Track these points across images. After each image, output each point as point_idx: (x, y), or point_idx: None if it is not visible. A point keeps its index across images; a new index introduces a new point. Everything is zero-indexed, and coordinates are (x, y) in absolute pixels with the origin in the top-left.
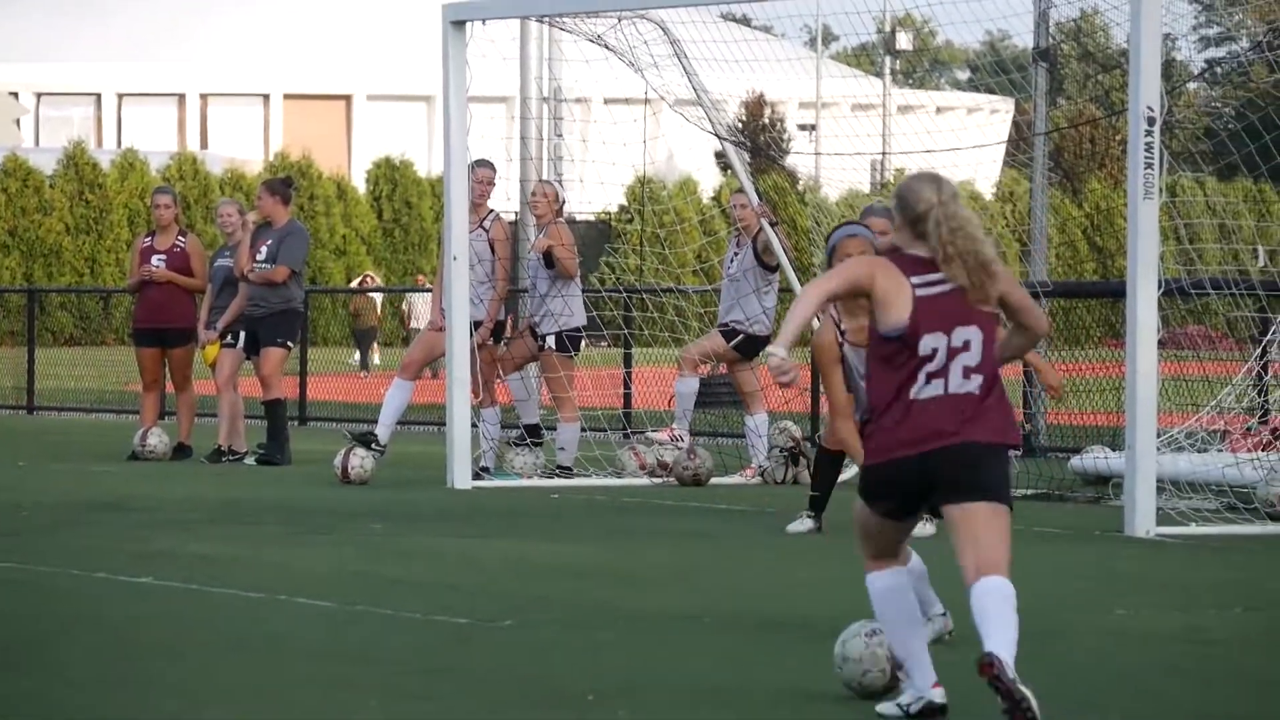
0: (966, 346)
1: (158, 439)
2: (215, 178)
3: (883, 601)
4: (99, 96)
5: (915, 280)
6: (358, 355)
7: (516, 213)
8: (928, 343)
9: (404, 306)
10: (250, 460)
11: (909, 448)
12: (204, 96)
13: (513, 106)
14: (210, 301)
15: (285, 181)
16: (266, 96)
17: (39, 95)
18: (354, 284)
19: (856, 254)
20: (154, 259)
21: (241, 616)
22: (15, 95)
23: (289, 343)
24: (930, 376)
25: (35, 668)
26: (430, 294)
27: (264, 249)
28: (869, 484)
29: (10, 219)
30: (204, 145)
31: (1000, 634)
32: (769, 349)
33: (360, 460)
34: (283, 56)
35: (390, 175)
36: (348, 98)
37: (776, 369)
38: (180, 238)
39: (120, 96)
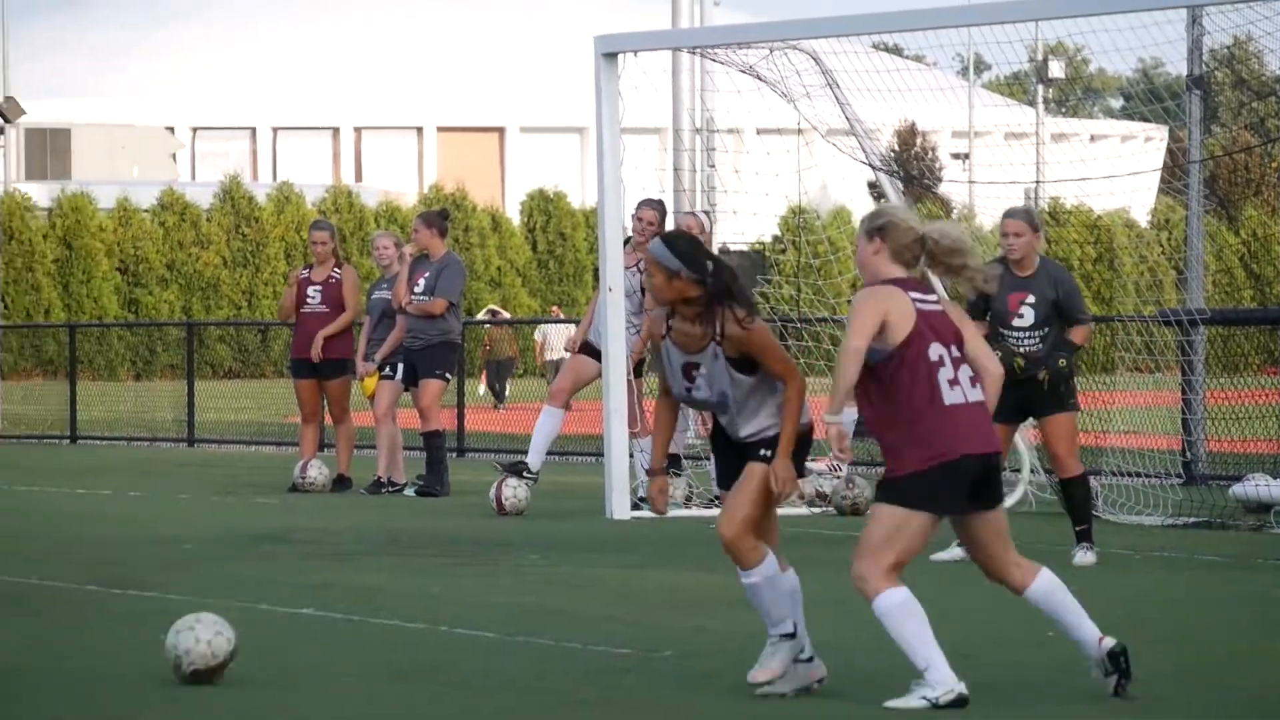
0: (963, 358)
1: (317, 471)
2: (370, 210)
3: (906, 612)
4: (254, 130)
5: (914, 297)
6: (482, 388)
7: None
8: (935, 350)
9: (537, 338)
10: (410, 491)
11: (972, 446)
12: (358, 130)
13: (665, 137)
14: (369, 334)
15: (441, 214)
16: (420, 129)
17: (195, 130)
18: (480, 315)
19: None
20: (310, 290)
21: (402, 647)
22: (171, 130)
23: (447, 374)
24: (950, 384)
25: (198, 699)
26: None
27: (422, 281)
28: (935, 485)
29: (168, 252)
30: (358, 178)
31: (1089, 622)
32: (827, 416)
33: (513, 490)
34: (436, 89)
35: (544, 207)
36: (501, 130)
37: (838, 438)
38: (336, 270)
39: (275, 130)
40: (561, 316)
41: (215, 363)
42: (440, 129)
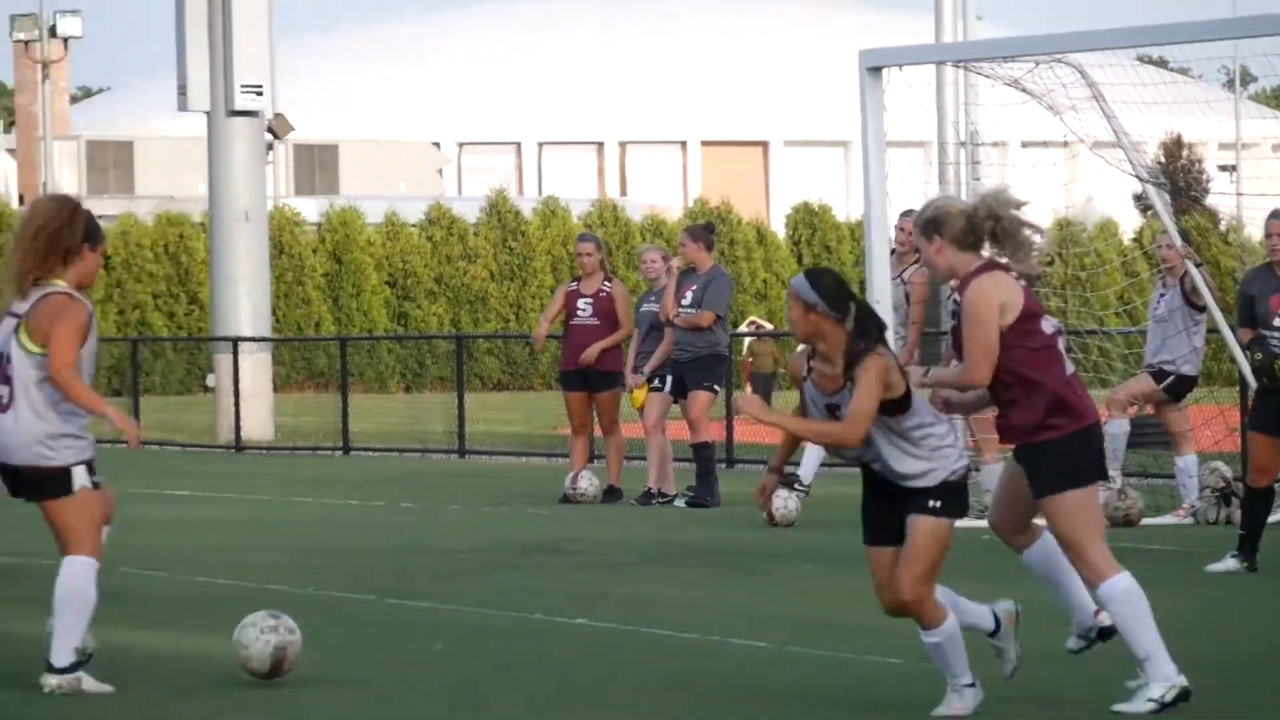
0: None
1: (588, 482)
2: (635, 224)
3: (1131, 598)
4: (519, 145)
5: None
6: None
7: None
8: (1049, 323)
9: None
10: (680, 502)
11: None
12: (622, 144)
13: (930, 151)
14: (637, 346)
15: (708, 227)
16: (684, 143)
17: (461, 145)
18: (742, 328)
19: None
20: (580, 303)
21: (675, 657)
22: (438, 145)
23: (715, 386)
24: (1067, 353)
25: (476, 708)
26: None
27: (689, 294)
28: (1094, 451)
29: (436, 266)
30: (623, 192)
31: (1085, 590)
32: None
33: (783, 501)
34: (700, 103)
35: (809, 220)
36: (765, 144)
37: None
38: (605, 283)
39: (540, 145)
40: (763, 329)
41: (484, 375)
42: (704, 143)
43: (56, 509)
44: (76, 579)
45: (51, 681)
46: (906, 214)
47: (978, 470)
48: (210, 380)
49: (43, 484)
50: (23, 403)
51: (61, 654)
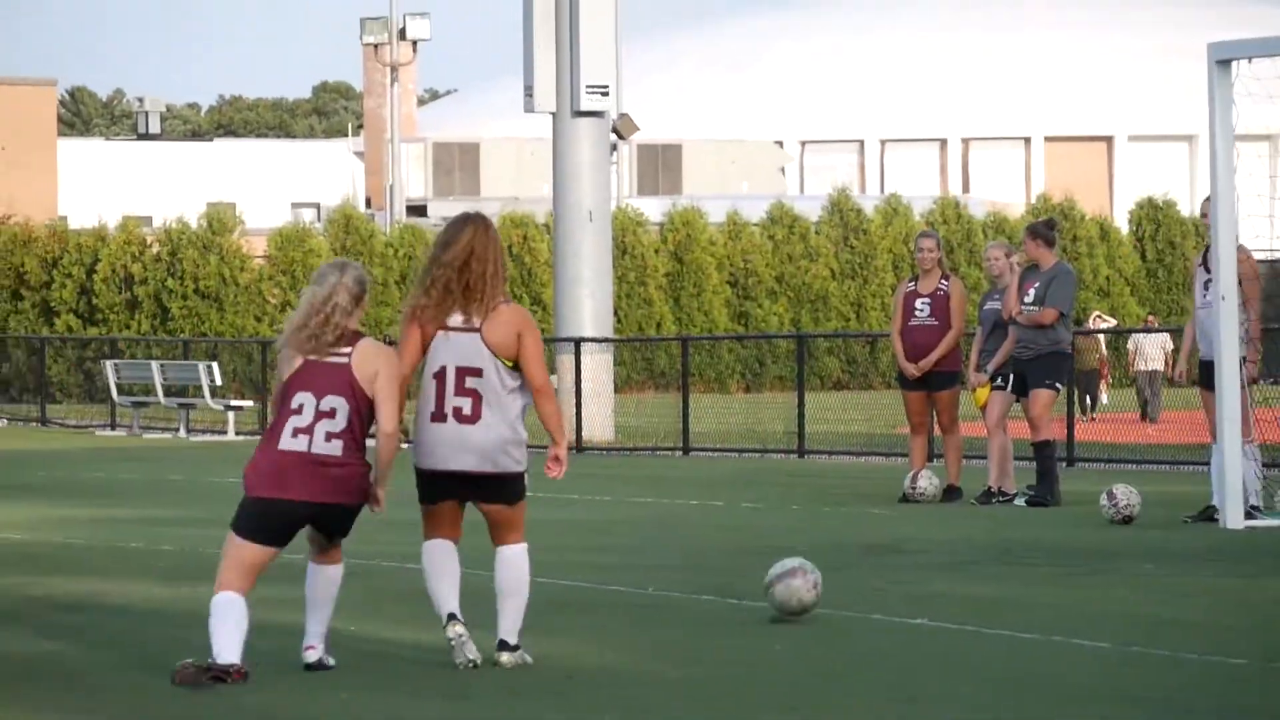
0: None
1: (928, 481)
2: (977, 221)
3: None
4: (862, 143)
5: None
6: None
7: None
8: None
9: (1130, 347)
10: (1020, 501)
11: None
12: (965, 140)
13: (1277, 144)
14: (980, 344)
15: (1048, 224)
16: (1027, 139)
17: (803, 143)
18: (1089, 323)
19: None
20: (918, 303)
21: (1015, 657)
22: (780, 144)
23: (1058, 384)
24: None
25: (815, 708)
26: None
27: (1031, 291)
28: None
29: (778, 265)
30: (965, 189)
31: None
32: None
33: (1124, 495)
34: (1043, 99)
35: (1153, 215)
36: (1109, 139)
37: None
38: (943, 281)
39: (883, 142)
40: (1156, 325)
41: (824, 374)
42: (1048, 138)
43: (514, 510)
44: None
45: (505, 658)
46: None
47: None
48: (553, 381)
49: (505, 486)
50: (492, 413)
51: (515, 633)
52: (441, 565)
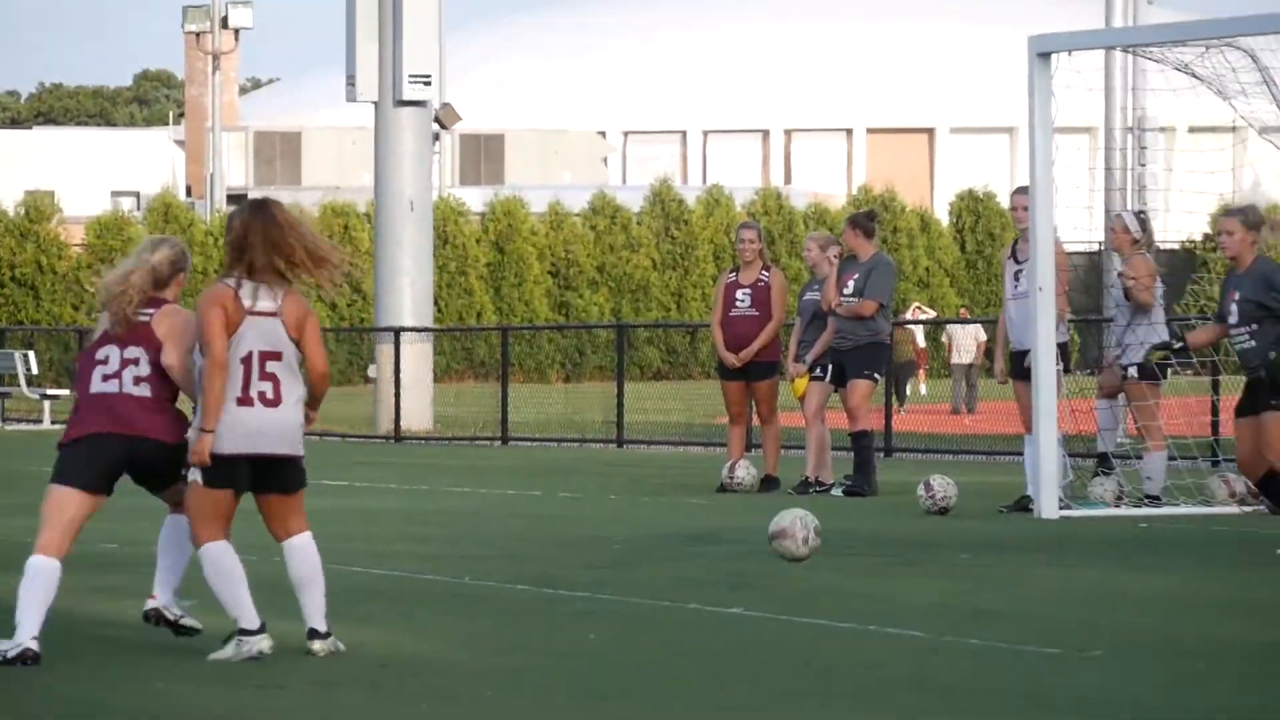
0: None
1: (746, 471)
2: (799, 212)
3: None
4: (684, 134)
5: None
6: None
7: (1101, 243)
8: None
9: (944, 339)
10: (837, 491)
11: None
12: (787, 132)
13: (1097, 137)
14: (799, 335)
15: (868, 215)
16: (849, 131)
17: (626, 134)
18: (908, 315)
19: None
20: (739, 294)
21: (830, 647)
22: (603, 134)
23: (876, 375)
24: None
25: (628, 696)
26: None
27: (850, 282)
28: None
29: (599, 255)
30: (787, 180)
31: None
32: None
33: (941, 485)
34: (865, 91)
35: (973, 207)
36: (930, 130)
37: None
38: (764, 272)
39: (705, 133)
40: (969, 318)
41: (644, 364)
42: (869, 130)
43: (300, 496)
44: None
45: (319, 645)
46: (1021, 191)
47: (1139, 459)
48: (371, 370)
49: (299, 470)
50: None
51: (324, 619)
52: (233, 568)
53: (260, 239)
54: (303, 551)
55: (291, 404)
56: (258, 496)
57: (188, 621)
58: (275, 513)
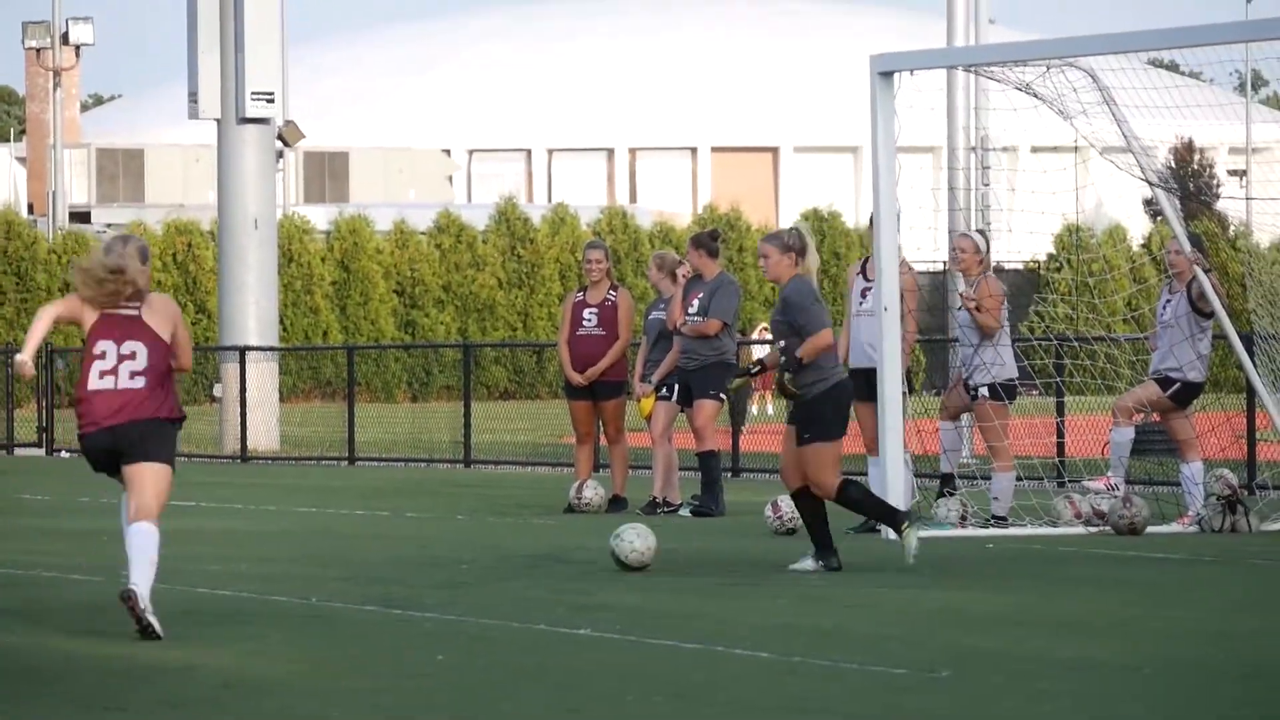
0: None
1: (593, 491)
2: (645, 231)
3: None
4: (529, 152)
5: None
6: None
7: (945, 263)
8: None
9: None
10: (685, 511)
11: None
12: (632, 150)
13: (940, 156)
14: (645, 355)
15: (712, 234)
16: (694, 149)
17: (470, 152)
18: (754, 335)
19: None
20: (585, 313)
21: (679, 668)
22: (447, 152)
23: (722, 395)
24: None
25: (473, 718)
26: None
27: (695, 302)
28: None
29: (444, 274)
30: (633, 199)
31: None
32: None
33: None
34: (709, 109)
35: (818, 226)
36: (774, 149)
37: None
38: (611, 292)
39: (550, 152)
40: (769, 338)
41: (491, 384)
42: (714, 149)
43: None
44: None
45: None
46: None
47: (986, 479)
48: (217, 390)
49: None
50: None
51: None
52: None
53: None
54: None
55: None
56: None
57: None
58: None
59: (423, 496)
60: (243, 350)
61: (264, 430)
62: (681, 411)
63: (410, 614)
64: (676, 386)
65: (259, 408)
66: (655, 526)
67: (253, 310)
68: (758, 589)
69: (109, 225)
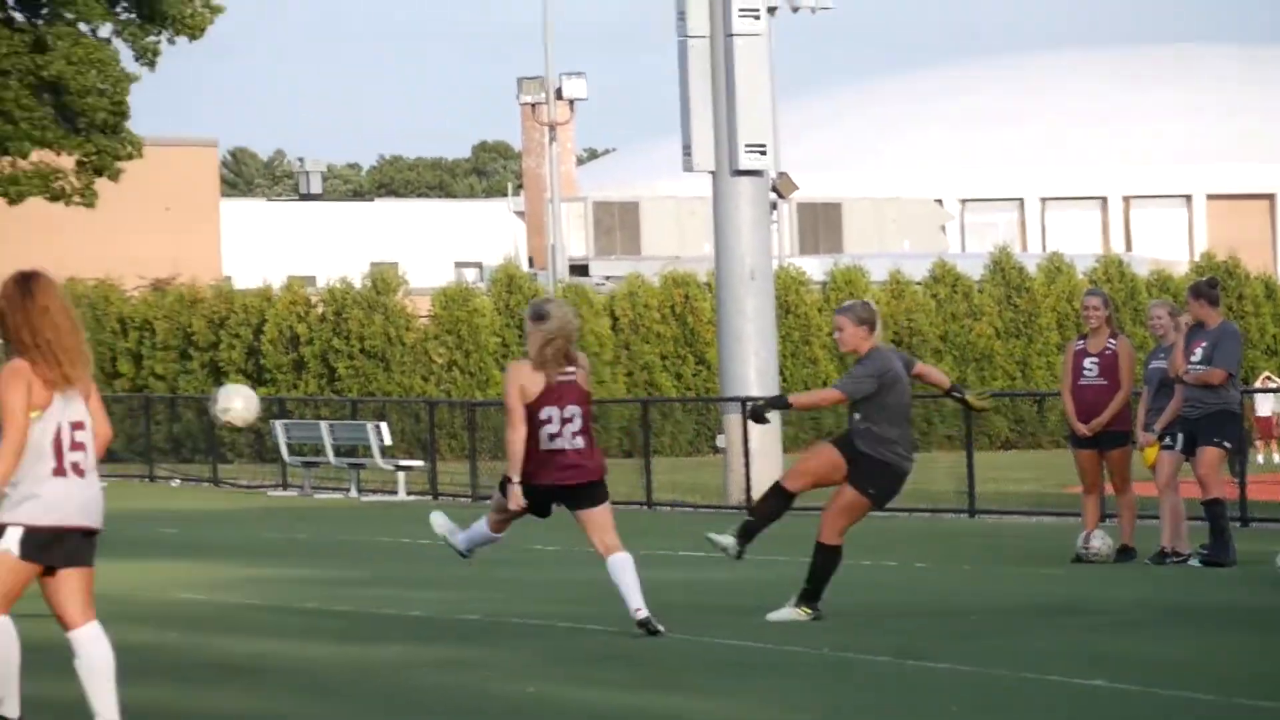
0: None
1: (1101, 541)
2: (1141, 279)
3: None
4: (1022, 201)
5: None
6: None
7: None
8: None
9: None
10: (1194, 561)
11: None
12: (1126, 199)
13: None
14: (1147, 403)
15: (1210, 283)
16: (1189, 197)
17: (963, 201)
18: (1258, 383)
19: None
20: (1086, 362)
21: (1198, 719)
22: (940, 202)
23: (1226, 443)
24: None
25: None
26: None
27: (1198, 350)
28: None
29: (941, 324)
30: (1128, 247)
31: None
32: None
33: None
34: (1204, 157)
35: None
36: (1272, 196)
37: None
38: (1111, 340)
39: (1043, 200)
40: (1273, 385)
41: (992, 433)
42: (1209, 196)
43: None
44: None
45: None
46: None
47: None
48: (720, 440)
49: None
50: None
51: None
52: (10, 649)
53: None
54: (102, 640)
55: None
56: (58, 575)
57: None
58: (75, 592)
59: (929, 546)
60: (743, 401)
61: (768, 480)
62: (1186, 460)
63: (924, 664)
64: (1180, 435)
65: (762, 457)
66: (1164, 578)
67: (752, 361)
68: (1271, 638)
69: (607, 277)
